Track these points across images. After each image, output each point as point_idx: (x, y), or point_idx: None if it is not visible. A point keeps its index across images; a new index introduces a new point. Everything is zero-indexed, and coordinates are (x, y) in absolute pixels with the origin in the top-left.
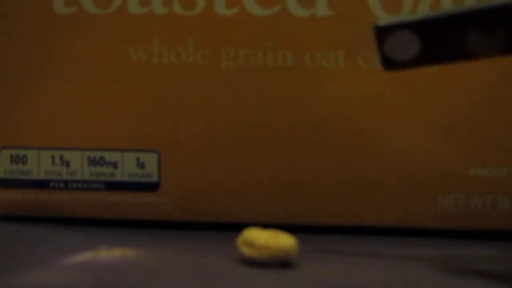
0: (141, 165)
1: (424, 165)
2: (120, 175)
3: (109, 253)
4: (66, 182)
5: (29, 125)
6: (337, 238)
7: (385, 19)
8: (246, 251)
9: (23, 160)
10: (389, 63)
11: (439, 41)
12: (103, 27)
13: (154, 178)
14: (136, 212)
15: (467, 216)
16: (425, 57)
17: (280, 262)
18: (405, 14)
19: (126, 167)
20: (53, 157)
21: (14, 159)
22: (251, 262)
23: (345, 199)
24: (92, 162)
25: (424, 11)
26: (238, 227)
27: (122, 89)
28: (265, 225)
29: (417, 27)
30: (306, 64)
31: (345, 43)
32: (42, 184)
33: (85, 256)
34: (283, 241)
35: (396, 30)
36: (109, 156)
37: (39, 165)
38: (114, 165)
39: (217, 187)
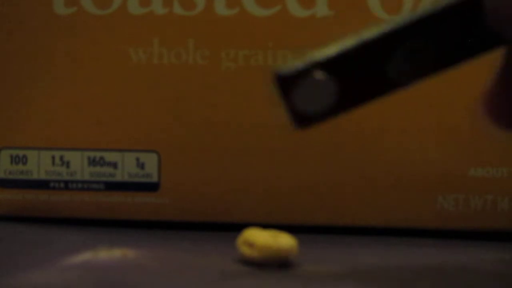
0: (141, 165)
1: (424, 165)
2: (120, 176)
3: (109, 253)
4: (66, 183)
5: (29, 125)
6: (337, 238)
7: (284, 65)
8: (246, 251)
9: (23, 160)
10: (302, 119)
11: (359, 77)
12: (103, 27)
13: (154, 179)
14: (136, 213)
15: (467, 216)
16: (345, 101)
17: (280, 262)
18: (307, 56)
19: (126, 167)
20: (53, 157)
21: (14, 160)
22: (251, 262)
23: (345, 199)
24: (92, 162)
25: (329, 47)
26: (238, 227)
27: (122, 89)
28: (265, 225)
29: (330, 65)
30: None
31: None
32: (42, 185)
33: (85, 256)
34: (283, 241)
35: (305, 76)
36: (109, 156)
37: (39, 165)
38: (114, 165)
39: (217, 187)
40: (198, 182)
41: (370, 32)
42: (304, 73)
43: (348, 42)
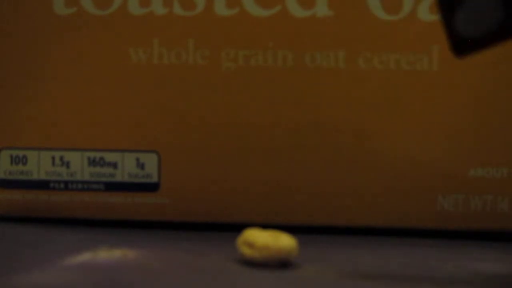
0: (141, 166)
1: (424, 165)
2: (120, 176)
3: (109, 254)
4: (66, 183)
5: (29, 125)
6: (337, 238)
7: None
8: (246, 251)
9: (23, 160)
10: (463, 44)
11: None
12: (103, 28)
13: (154, 179)
14: (136, 213)
15: (467, 217)
16: (510, 24)
17: (280, 263)
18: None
19: (126, 167)
20: (53, 157)
21: (14, 160)
22: (251, 263)
23: (345, 199)
24: (92, 162)
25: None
26: (238, 228)
27: (122, 90)
28: (265, 226)
29: None
30: (306, 64)
31: (345, 43)
32: (42, 185)
33: (85, 257)
34: (283, 241)
35: None
36: (109, 156)
37: (39, 165)
38: (114, 165)
39: (217, 187)
40: (198, 182)
41: None
42: None
43: None
